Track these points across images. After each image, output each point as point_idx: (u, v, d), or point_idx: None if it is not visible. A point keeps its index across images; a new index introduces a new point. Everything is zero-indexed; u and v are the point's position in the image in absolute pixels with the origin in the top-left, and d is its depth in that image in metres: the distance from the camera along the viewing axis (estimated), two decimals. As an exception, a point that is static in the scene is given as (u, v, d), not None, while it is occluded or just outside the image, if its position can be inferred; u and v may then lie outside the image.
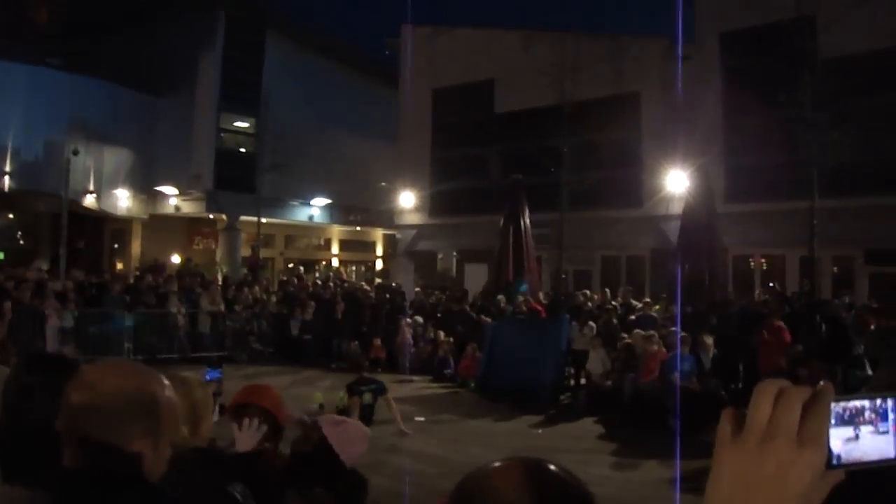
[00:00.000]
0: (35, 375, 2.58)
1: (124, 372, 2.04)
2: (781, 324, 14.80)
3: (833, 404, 0.91)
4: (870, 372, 12.32)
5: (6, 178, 32.83)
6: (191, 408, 2.82)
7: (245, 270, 32.62)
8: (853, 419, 0.92)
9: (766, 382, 0.94)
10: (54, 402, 2.04)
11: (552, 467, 1.30)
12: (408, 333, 20.57)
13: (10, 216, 40.62)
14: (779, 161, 21.66)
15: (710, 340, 14.72)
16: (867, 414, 0.93)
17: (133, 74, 36.12)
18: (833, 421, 0.91)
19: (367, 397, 12.97)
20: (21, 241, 40.42)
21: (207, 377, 3.30)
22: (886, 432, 0.92)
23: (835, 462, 0.91)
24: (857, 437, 0.92)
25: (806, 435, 0.89)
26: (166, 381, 2.07)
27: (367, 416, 12.83)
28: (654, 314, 18.07)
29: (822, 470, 0.90)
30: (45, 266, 29.22)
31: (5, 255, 37.15)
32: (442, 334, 20.18)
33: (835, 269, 24.29)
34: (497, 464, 1.31)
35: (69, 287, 20.51)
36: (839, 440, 0.91)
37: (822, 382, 0.93)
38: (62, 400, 1.95)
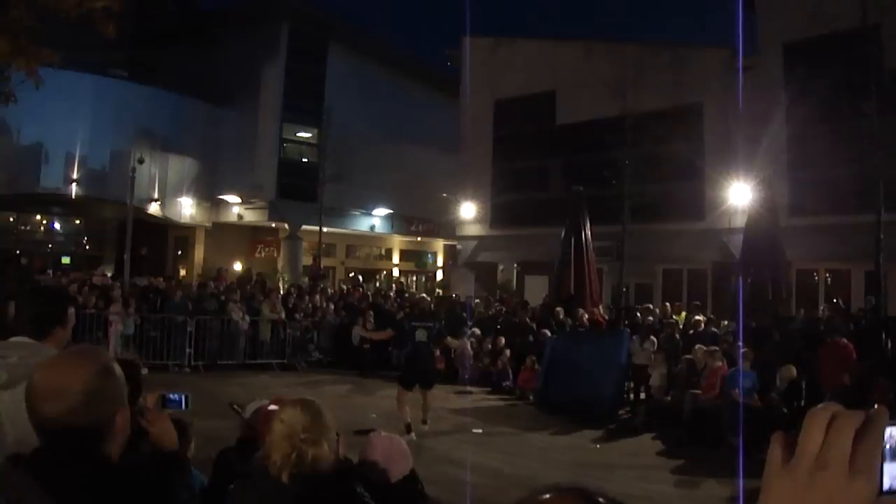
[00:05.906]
0: None
1: (81, 364, 2.15)
2: (845, 341, 14.51)
3: (888, 429, 0.87)
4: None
5: (74, 185, 33.68)
6: (322, 427, 3.21)
7: (306, 279, 32.86)
8: None
9: (818, 409, 0.91)
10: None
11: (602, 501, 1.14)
12: (468, 345, 20.55)
13: (77, 222, 41.72)
14: (844, 173, 21.30)
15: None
16: None
17: (197, 85, 36.81)
18: (887, 447, 0.87)
19: (421, 334, 12.90)
20: (87, 247, 41.52)
21: None
22: None
23: (886, 489, 0.86)
24: None
25: (858, 464, 0.86)
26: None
27: (422, 353, 12.94)
28: (716, 330, 17.83)
29: (873, 500, 0.86)
30: (109, 272, 29.86)
31: (71, 260, 38.13)
32: (501, 345, 20.12)
33: (902, 284, 23.80)
34: (547, 496, 1.14)
35: (132, 293, 20.89)
36: (894, 465, 0.87)
37: (876, 406, 0.90)
38: (29, 402, 2.10)
